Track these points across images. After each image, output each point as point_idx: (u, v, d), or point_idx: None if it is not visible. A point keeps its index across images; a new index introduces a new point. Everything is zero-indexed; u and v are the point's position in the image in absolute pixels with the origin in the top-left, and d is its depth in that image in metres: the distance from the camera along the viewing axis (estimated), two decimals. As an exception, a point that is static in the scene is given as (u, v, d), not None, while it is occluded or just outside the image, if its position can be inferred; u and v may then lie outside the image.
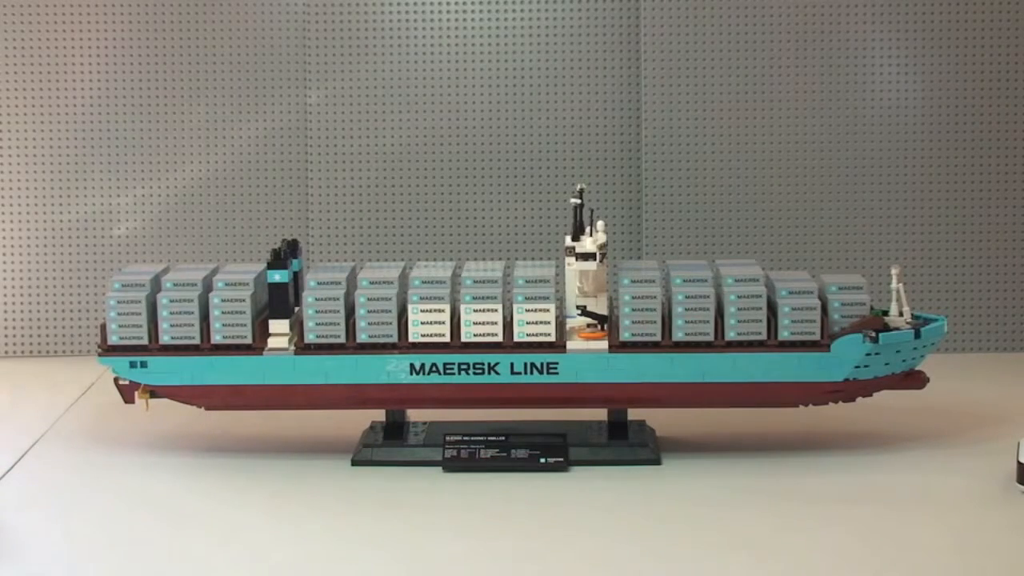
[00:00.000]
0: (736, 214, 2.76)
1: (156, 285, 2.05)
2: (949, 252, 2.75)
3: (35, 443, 2.20)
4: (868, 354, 2.03)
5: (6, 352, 2.79)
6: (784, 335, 2.02)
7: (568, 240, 2.07)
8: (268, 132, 2.77)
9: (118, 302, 2.02)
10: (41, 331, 2.79)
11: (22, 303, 2.78)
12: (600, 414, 2.14)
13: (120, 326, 2.02)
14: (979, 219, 2.75)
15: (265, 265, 2.07)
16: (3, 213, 2.77)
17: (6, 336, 2.78)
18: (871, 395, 2.09)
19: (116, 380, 2.07)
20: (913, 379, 2.09)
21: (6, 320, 2.78)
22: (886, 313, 2.07)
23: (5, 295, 2.78)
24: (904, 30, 2.72)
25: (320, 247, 2.78)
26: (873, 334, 2.02)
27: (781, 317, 2.01)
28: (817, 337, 2.02)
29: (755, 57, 2.73)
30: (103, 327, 2.03)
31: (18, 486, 2.02)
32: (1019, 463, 1.89)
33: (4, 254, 2.77)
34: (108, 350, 2.04)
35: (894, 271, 2.06)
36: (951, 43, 2.72)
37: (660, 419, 2.15)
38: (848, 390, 2.06)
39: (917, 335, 2.04)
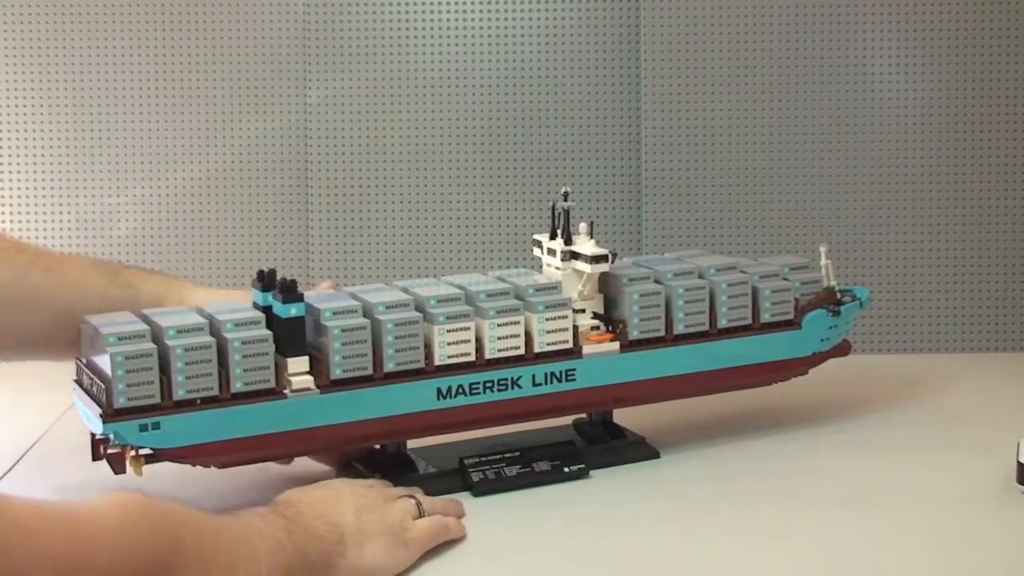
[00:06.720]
0: (736, 212, 2.76)
1: (154, 334, 1.81)
2: (948, 252, 2.75)
3: (35, 443, 2.20)
4: (830, 327, 2.13)
5: (6, 352, 2.79)
6: (765, 317, 2.09)
7: (560, 243, 2.04)
8: (268, 132, 2.77)
9: (126, 358, 1.75)
10: (41, 331, 2.78)
11: (22, 303, 2.78)
12: (564, 420, 2.12)
13: (128, 385, 1.75)
14: (979, 219, 2.75)
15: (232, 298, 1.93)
16: (3, 213, 2.77)
17: (6, 336, 2.78)
18: (816, 367, 2.17)
19: (96, 439, 1.77)
20: (843, 348, 2.18)
21: (6, 320, 2.78)
22: (831, 289, 2.15)
23: (5, 295, 2.77)
24: (903, 31, 2.72)
25: (320, 246, 2.77)
26: (836, 308, 2.12)
27: (762, 300, 2.09)
28: (791, 316, 2.10)
29: (754, 56, 2.73)
30: (107, 389, 1.76)
31: (19, 486, 2.01)
32: (1019, 463, 1.88)
33: (4, 254, 2.77)
34: (113, 415, 1.75)
35: (822, 248, 2.14)
36: (951, 43, 2.72)
37: (623, 416, 2.15)
38: (810, 364, 2.15)
39: (860, 304, 2.17)
